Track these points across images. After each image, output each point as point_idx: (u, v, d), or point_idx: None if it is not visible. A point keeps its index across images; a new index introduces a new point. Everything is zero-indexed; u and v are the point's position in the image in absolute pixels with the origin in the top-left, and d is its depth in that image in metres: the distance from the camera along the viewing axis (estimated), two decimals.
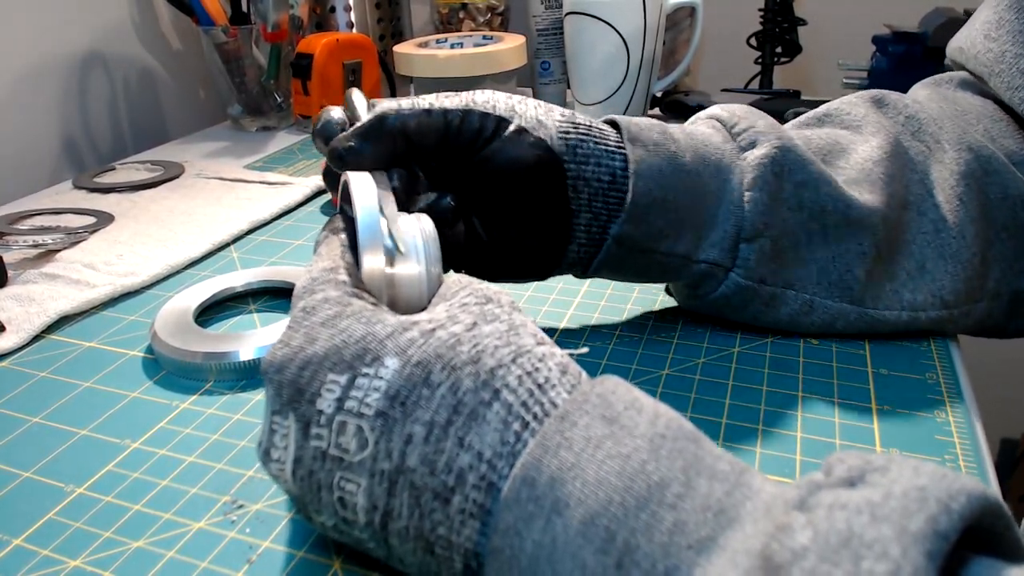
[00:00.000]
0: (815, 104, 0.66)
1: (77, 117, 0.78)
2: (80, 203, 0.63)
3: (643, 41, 0.75)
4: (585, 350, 0.30)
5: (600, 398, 0.23)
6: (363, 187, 0.31)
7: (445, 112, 0.35)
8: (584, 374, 0.26)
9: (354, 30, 0.89)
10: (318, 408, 0.25)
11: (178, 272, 0.52)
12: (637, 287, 0.47)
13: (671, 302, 0.45)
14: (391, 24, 0.93)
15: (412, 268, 0.30)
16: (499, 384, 0.24)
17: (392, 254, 0.30)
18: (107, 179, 0.69)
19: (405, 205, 0.34)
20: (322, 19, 0.89)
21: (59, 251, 0.53)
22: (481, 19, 0.93)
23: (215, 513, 0.31)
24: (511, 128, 0.35)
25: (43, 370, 0.41)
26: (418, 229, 0.31)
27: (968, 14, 0.82)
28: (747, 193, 0.37)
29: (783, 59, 0.92)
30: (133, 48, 0.84)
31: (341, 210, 0.34)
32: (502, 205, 0.37)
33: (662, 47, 0.79)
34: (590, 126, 0.37)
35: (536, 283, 0.48)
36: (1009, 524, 0.19)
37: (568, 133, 0.36)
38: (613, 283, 0.47)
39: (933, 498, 0.18)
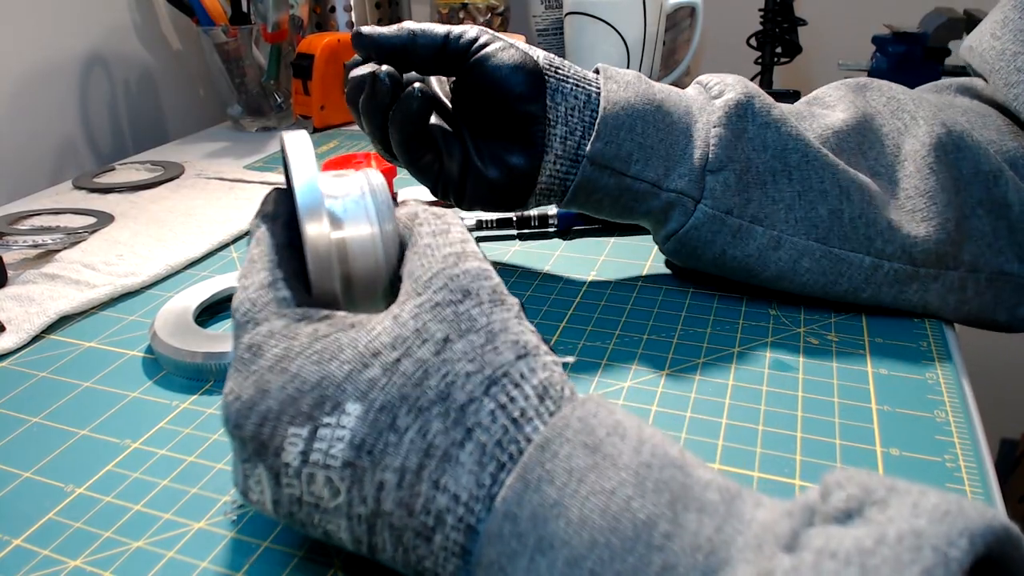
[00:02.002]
0: None
1: (77, 117, 0.78)
2: (80, 203, 0.63)
3: (643, 41, 0.75)
4: (571, 359, 0.28)
5: (581, 422, 0.22)
6: (299, 146, 0.27)
7: (447, 32, 0.42)
8: (568, 387, 0.24)
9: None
10: (284, 461, 0.23)
11: (178, 272, 0.52)
12: (638, 286, 0.47)
13: (671, 302, 0.45)
14: (391, 24, 0.93)
15: (363, 229, 0.27)
16: (471, 423, 0.23)
17: (338, 218, 0.27)
18: (107, 179, 0.69)
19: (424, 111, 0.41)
20: (322, 19, 0.89)
21: (59, 251, 0.53)
22: (481, 19, 0.93)
23: (215, 513, 0.31)
24: (502, 42, 0.42)
25: (43, 370, 0.41)
26: (365, 183, 0.28)
27: (968, 14, 0.82)
28: (713, 130, 0.41)
29: (783, 59, 0.92)
30: (133, 48, 0.84)
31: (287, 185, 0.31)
32: (488, 110, 0.42)
33: (662, 47, 0.79)
34: (571, 65, 0.43)
35: (536, 283, 0.48)
36: (1019, 544, 0.18)
37: (552, 60, 0.42)
38: (613, 283, 0.47)
39: (929, 546, 0.17)
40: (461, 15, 0.93)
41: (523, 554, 0.20)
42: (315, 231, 0.26)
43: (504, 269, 0.50)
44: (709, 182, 0.40)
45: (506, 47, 0.42)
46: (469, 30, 0.42)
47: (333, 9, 0.89)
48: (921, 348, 0.40)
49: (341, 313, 0.26)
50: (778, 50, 0.91)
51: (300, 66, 0.80)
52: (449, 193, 0.44)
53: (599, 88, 0.42)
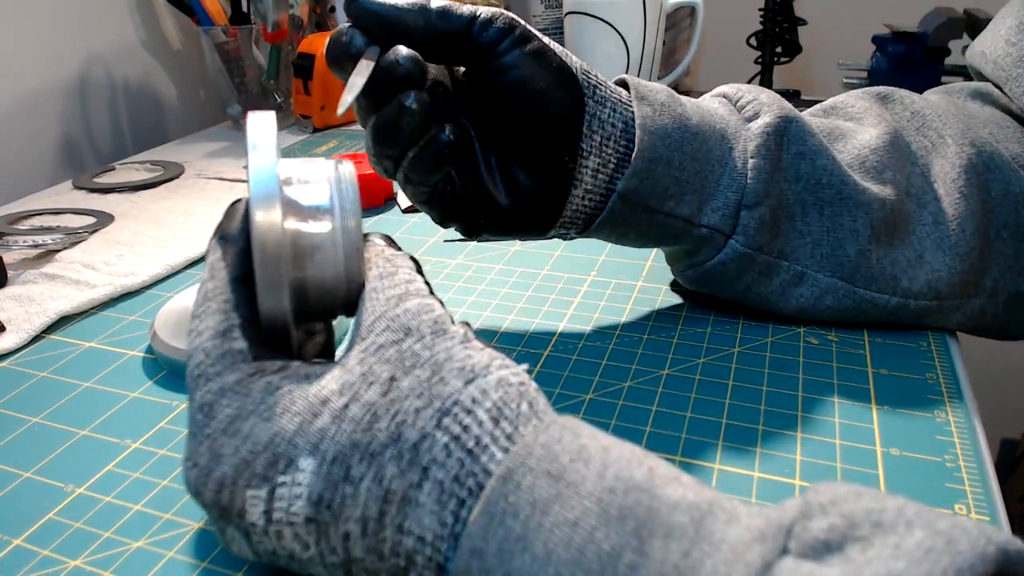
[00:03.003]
0: (815, 104, 0.66)
1: (77, 117, 0.78)
2: (80, 203, 0.63)
3: (643, 41, 0.75)
4: (525, 367, 0.26)
5: (544, 449, 0.22)
6: (259, 127, 0.24)
7: (471, 14, 0.34)
8: (524, 404, 0.23)
9: None
10: (250, 521, 0.23)
11: (178, 272, 0.52)
12: (638, 286, 0.47)
13: (671, 302, 0.45)
14: None
15: (324, 224, 0.24)
16: (426, 460, 0.22)
17: (295, 208, 0.24)
18: (107, 179, 0.69)
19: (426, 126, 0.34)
20: (322, 19, 0.89)
21: (59, 251, 0.53)
22: None
23: None
24: (537, 43, 0.35)
25: (43, 370, 0.41)
26: (332, 172, 0.25)
27: (968, 14, 0.82)
28: (751, 160, 0.38)
29: (783, 59, 0.92)
30: (133, 48, 0.84)
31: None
32: (510, 130, 0.36)
33: (662, 47, 0.79)
34: (605, 80, 0.38)
35: (536, 283, 0.48)
36: (1022, 559, 0.18)
37: (589, 74, 0.37)
38: (613, 282, 0.47)
39: None
40: None
41: None
42: (264, 218, 0.22)
43: (504, 269, 0.50)
44: (743, 218, 0.38)
45: (543, 51, 0.35)
46: (499, 15, 0.35)
47: (333, 9, 0.89)
48: (921, 348, 0.40)
49: (296, 363, 0.25)
50: (778, 50, 0.91)
51: (301, 66, 0.80)
52: (457, 220, 0.38)
53: (632, 110, 0.37)
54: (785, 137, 0.38)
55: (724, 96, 0.41)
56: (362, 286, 0.26)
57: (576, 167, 0.36)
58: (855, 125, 0.42)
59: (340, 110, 0.32)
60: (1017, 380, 1.16)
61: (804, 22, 0.91)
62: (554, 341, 0.41)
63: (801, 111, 0.41)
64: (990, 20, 0.48)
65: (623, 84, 0.39)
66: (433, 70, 0.36)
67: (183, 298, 0.44)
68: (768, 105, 0.39)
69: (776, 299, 0.40)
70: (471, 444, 0.22)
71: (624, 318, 0.43)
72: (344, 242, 0.24)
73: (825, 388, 0.37)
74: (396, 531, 0.22)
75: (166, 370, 0.40)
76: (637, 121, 0.36)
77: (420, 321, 0.25)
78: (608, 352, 0.40)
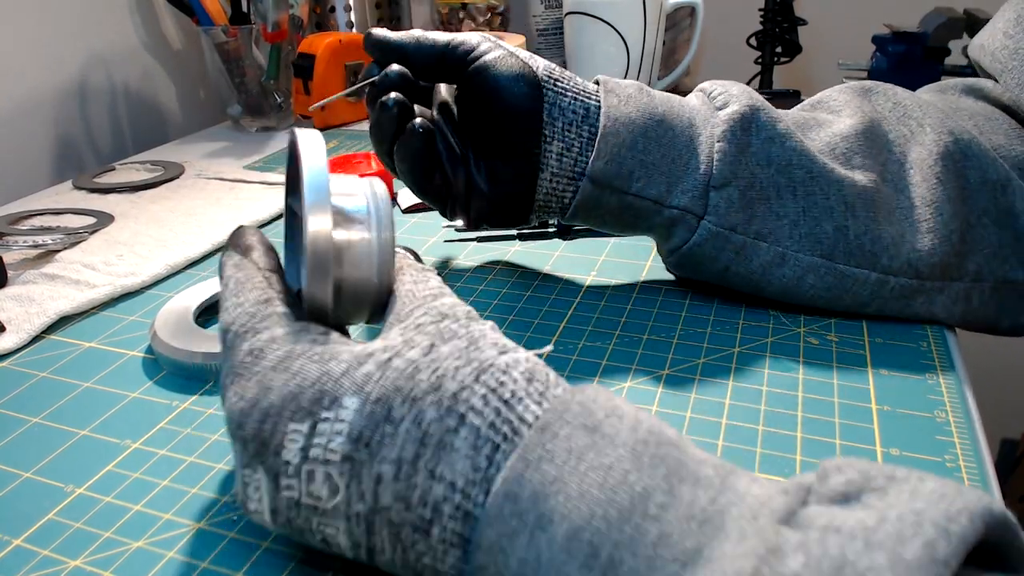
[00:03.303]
0: None
1: (77, 117, 0.78)
2: (80, 203, 0.63)
3: (643, 41, 0.75)
4: (549, 348, 0.29)
5: (581, 406, 0.23)
6: (311, 143, 0.27)
7: (448, 40, 0.42)
8: (552, 374, 0.25)
9: (354, 30, 0.89)
10: (284, 459, 0.24)
11: (178, 272, 0.52)
12: (638, 286, 0.47)
13: (671, 302, 0.45)
14: (391, 24, 0.93)
15: (363, 233, 0.27)
16: (463, 408, 0.23)
17: (340, 219, 0.27)
18: (107, 179, 0.69)
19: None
20: (322, 19, 0.89)
21: (59, 251, 0.53)
22: (481, 19, 0.93)
23: (215, 513, 0.31)
24: (502, 50, 0.41)
25: (43, 370, 0.41)
26: (369, 190, 0.29)
27: (968, 14, 0.82)
28: (717, 144, 0.40)
29: (783, 59, 0.92)
30: (133, 48, 0.84)
31: (288, 182, 0.32)
32: (486, 123, 0.41)
33: (662, 47, 0.79)
34: (572, 76, 0.42)
35: (535, 283, 0.48)
36: (1016, 534, 0.19)
37: (552, 71, 0.42)
38: (613, 282, 0.47)
39: (930, 522, 0.17)
40: (461, 15, 0.93)
41: (523, 532, 0.21)
42: (317, 226, 0.26)
43: (504, 269, 0.50)
44: (713, 198, 0.40)
45: (505, 56, 0.41)
46: (471, 38, 0.42)
47: (333, 9, 0.89)
48: (921, 348, 0.40)
49: (337, 333, 0.27)
50: (778, 50, 0.91)
51: (301, 66, 0.80)
52: (457, 212, 0.44)
53: (599, 101, 0.41)
54: (753, 124, 0.40)
55: (702, 90, 0.44)
56: (391, 291, 0.29)
57: (541, 152, 0.41)
58: (833, 117, 0.43)
59: (310, 107, 0.41)
60: (1017, 380, 1.16)
61: (804, 22, 0.91)
62: (554, 341, 0.41)
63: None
64: (990, 20, 0.48)
65: (596, 83, 0.43)
66: (444, 93, 0.44)
67: (183, 298, 0.44)
68: (737, 96, 0.41)
69: (759, 280, 0.41)
70: (507, 395, 0.24)
71: (624, 318, 0.43)
72: (379, 250, 0.28)
73: (825, 388, 0.37)
74: (428, 476, 0.23)
75: (166, 370, 0.40)
76: (602, 109, 0.40)
77: (456, 311, 0.27)
78: (608, 352, 0.40)
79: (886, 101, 0.44)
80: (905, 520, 0.17)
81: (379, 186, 0.29)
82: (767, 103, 0.41)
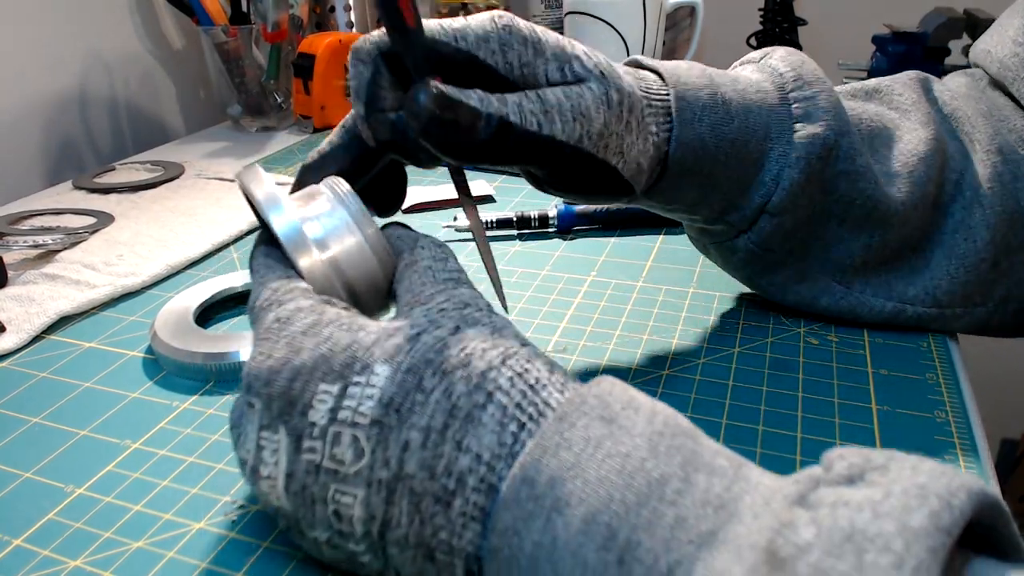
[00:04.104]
0: None
1: (77, 117, 0.78)
2: (80, 203, 0.63)
3: (643, 41, 0.75)
4: (564, 349, 0.30)
5: (597, 399, 0.23)
6: (260, 183, 0.29)
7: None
8: (568, 372, 0.26)
9: (354, 30, 0.89)
10: (310, 420, 0.24)
11: (178, 272, 0.52)
12: (638, 286, 0.47)
13: (671, 302, 0.45)
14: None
15: (348, 241, 0.28)
16: (491, 387, 0.24)
17: (321, 241, 0.28)
18: (107, 179, 0.69)
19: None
20: (322, 19, 0.89)
21: (59, 251, 0.53)
22: None
23: (215, 513, 0.31)
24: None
25: (43, 370, 0.41)
26: (333, 196, 0.29)
27: (968, 14, 0.82)
28: (786, 171, 0.36)
29: None
30: (133, 48, 0.84)
31: (256, 215, 0.32)
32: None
33: (662, 47, 0.79)
34: (643, 78, 0.35)
35: (536, 283, 0.48)
36: (1008, 521, 0.19)
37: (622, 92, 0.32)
38: (613, 282, 0.47)
39: (933, 494, 0.18)
40: (461, 15, 0.93)
41: (539, 515, 0.21)
42: (307, 263, 0.28)
43: (504, 269, 0.50)
44: (762, 221, 0.37)
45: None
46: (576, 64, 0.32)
47: (333, 9, 0.89)
48: (921, 348, 0.40)
49: (357, 311, 0.28)
50: None
51: (301, 66, 0.80)
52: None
53: (667, 125, 0.34)
54: (833, 153, 0.36)
55: (779, 77, 0.37)
56: (396, 266, 0.30)
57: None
58: (901, 119, 0.40)
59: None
60: (1017, 380, 1.16)
61: (804, 22, 0.91)
62: (554, 341, 0.41)
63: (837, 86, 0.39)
64: (990, 20, 0.47)
65: (657, 73, 0.36)
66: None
67: (183, 298, 0.44)
68: (824, 110, 0.36)
69: (775, 292, 0.41)
70: (532, 381, 0.24)
71: (624, 318, 0.43)
72: (370, 245, 0.29)
73: (825, 388, 0.37)
74: (454, 447, 0.23)
75: (166, 370, 0.40)
76: (675, 131, 0.34)
77: (477, 301, 0.27)
78: (608, 352, 0.40)
79: (943, 106, 0.42)
80: (910, 493, 0.18)
81: (341, 186, 0.30)
82: (849, 122, 0.37)
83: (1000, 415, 1.14)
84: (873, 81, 0.43)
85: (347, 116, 0.33)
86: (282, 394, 0.25)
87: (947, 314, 0.40)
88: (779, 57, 0.38)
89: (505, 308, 0.34)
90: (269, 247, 0.30)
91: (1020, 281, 0.40)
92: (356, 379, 0.24)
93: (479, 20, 0.31)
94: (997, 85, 0.46)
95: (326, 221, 0.28)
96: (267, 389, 0.25)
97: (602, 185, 0.34)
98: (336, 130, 0.33)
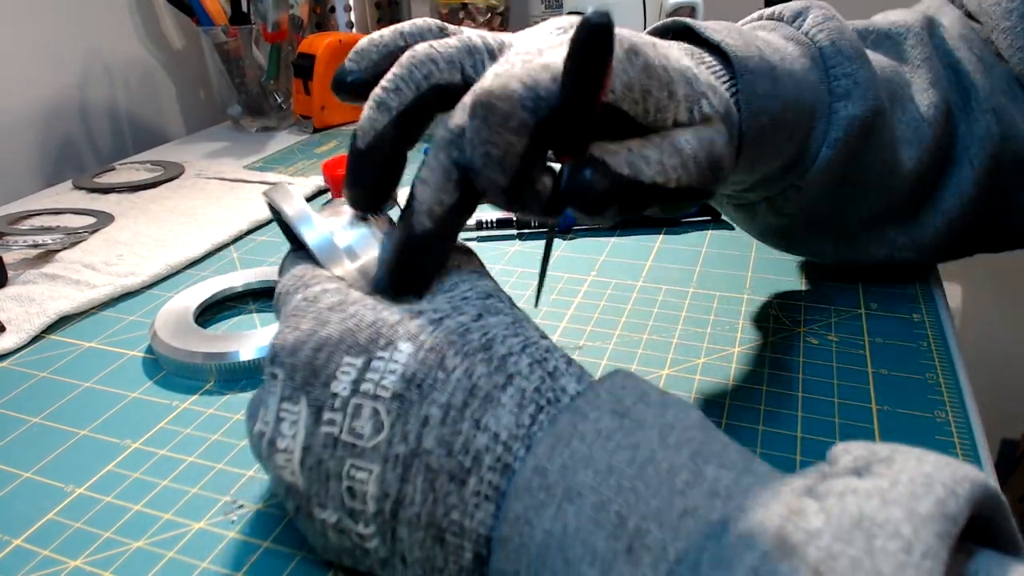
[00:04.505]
0: None
1: (77, 117, 0.78)
2: (80, 203, 0.63)
3: None
4: (582, 345, 0.30)
5: (610, 393, 0.23)
6: (291, 203, 0.31)
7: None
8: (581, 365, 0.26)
9: (354, 30, 0.89)
10: (333, 391, 0.24)
11: (178, 272, 0.52)
12: (638, 286, 0.47)
13: (671, 302, 0.45)
14: (391, 24, 0.93)
15: (375, 250, 0.30)
16: (512, 370, 0.24)
17: (350, 250, 0.30)
18: (107, 179, 0.69)
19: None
20: (322, 19, 0.89)
21: (59, 251, 0.53)
22: (481, 19, 0.93)
23: (215, 513, 0.31)
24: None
25: (43, 370, 0.41)
26: (350, 213, 0.31)
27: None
28: (823, 151, 0.36)
29: None
30: (133, 48, 0.84)
31: (283, 230, 0.33)
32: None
33: None
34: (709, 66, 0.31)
35: (536, 283, 0.48)
36: (1007, 515, 0.19)
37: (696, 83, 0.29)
38: (613, 282, 0.47)
39: (939, 483, 0.18)
40: (461, 15, 0.93)
41: (551, 504, 0.21)
42: (340, 272, 0.29)
43: (504, 269, 0.50)
44: (788, 193, 0.37)
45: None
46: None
47: (333, 9, 0.89)
48: (921, 348, 0.40)
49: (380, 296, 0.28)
50: None
51: (301, 66, 0.80)
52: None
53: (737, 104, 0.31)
54: (869, 132, 0.36)
55: (819, 51, 0.36)
56: None
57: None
58: (911, 74, 0.40)
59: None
60: (1017, 380, 1.16)
61: None
62: (554, 341, 0.41)
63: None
64: None
65: (719, 50, 0.32)
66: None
67: (183, 298, 0.44)
68: (863, 87, 0.35)
69: (782, 244, 0.43)
70: (550, 368, 0.25)
71: (624, 318, 0.43)
72: None
73: (825, 388, 0.37)
74: (473, 425, 0.23)
75: (166, 370, 0.40)
76: (743, 116, 0.31)
77: (499, 293, 0.28)
78: (608, 352, 0.40)
79: (947, 53, 0.42)
80: (916, 481, 0.18)
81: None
82: (883, 94, 0.36)
83: (1000, 415, 1.14)
84: (885, 23, 0.42)
85: (436, 155, 0.27)
86: (307, 364, 0.25)
87: (925, 256, 0.43)
88: (816, 24, 0.36)
89: (536, 304, 0.35)
90: (298, 254, 0.31)
91: (985, 235, 0.43)
92: (380, 354, 0.24)
93: (620, 62, 0.26)
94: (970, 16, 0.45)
95: (353, 233, 0.30)
96: (292, 359, 0.25)
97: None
98: (430, 164, 0.27)
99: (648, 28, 0.36)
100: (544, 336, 0.26)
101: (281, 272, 0.31)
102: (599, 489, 0.21)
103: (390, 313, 0.26)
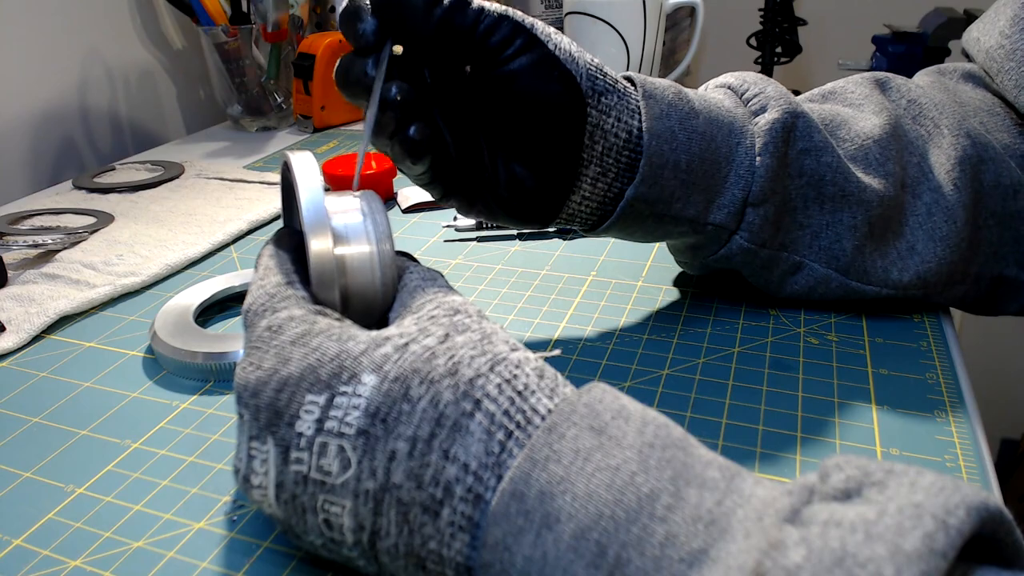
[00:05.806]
0: None
1: (77, 117, 0.78)
2: (80, 203, 0.63)
3: (643, 41, 0.75)
4: (557, 352, 0.30)
5: (587, 408, 0.23)
6: (306, 167, 0.29)
7: (481, 9, 0.34)
8: (560, 376, 0.25)
9: None
10: (297, 431, 0.24)
11: (178, 272, 0.52)
12: (638, 286, 0.47)
13: (671, 302, 0.45)
14: None
15: (362, 248, 0.29)
16: (479, 394, 0.24)
17: (339, 235, 0.29)
18: (107, 179, 0.69)
19: (402, 123, 0.34)
20: (322, 19, 0.89)
21: (59, 251, 0.53)
22: None
23: (215, 513, 0.31)
24: (542, 51, 0.34)
25: (43, 370, 0.41)
26: (365, 206, 0.30)
27: (968, 14, 0.82)
28: (758, 158, 0.38)
29: (783, 59, 0.92)
30: (133, 48, 0.84)
31: (284, 204, 0.33)
32: (512, 134, 0.35)
33: (662, 47, 0.79)
34: (616, 79, 0.37)
35: (536, 283, 0.48)
36: (1011, 530, 0.19)
37: (596, 79, 0.36)
38: (613, 282, 0.47)
39: (929, 515, 0.17)
40: None
41: (529, 530, 0.21)
42: (319, 246, 0.27)
43: (504, 269, 0.50)
44: (749, 215, 0.38)
45: (547, 60, 0.34)
46: (506, 18, 0.34)
47: (333, 9, 0.89)
48: (921, 348, 0.40)
49: (350, 321, 0.27)
50: (778, 50, 0.91)
51: (301, 66, 0.80)
52: (455, 196, 0.38)
53: (638, 111, 0.36)
54: (792, 133, 0.38)
55: (729, 87, 0.41)
56: (395, 297, 0.30)
57: (575, 175, 0.36)
58: (854, 112, 0.42)
59: (365, 146, 0.34)
60: (1017, 380, 1.16)
61: (804, 22, 0.91)
62: (554, 341, 0.41)
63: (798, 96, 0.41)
64: (986, 11, 0.47)
65: (629, 80, 0.38)
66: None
67: (183, 298, 0.44)
68: (775, 99, 0.39)
69: (774, 287, 0.42)
70: (520, 387, 0.24)
71: (624, 318, 0.43)
72: (380, 260, 0.29)
73: (825, 388, 0.37)
74: (441, 456, 0.23)
75: (166, 370, 0.40)
76: (645, 124, 0.36)
77: (467, 308, 0.27)
78: (608, 352, 0.40)
79: (900, 98, 0.43)
80: (905, 512, 0.18)
81: (374, 201, 0.30)
82: (803, 108, 0.39)
83: (1000, 415, 1.14)
84: (828, 85, 0.45)
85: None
86: (269, 405, 0.24)
87: (931, 293, 0.41)
88: (722, 78, 0.42)
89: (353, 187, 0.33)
90: (278, 246, 0.30)
91: (987, 256, 0.41)
92: (343, 388, 0.24)
93: None
94: (969, 77, 0.47)
95: (350, 221, 0.29)
96: (255, 400, 0.25)
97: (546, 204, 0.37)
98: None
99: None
100: (514, 348, 0.25)
101: (258, 259, 0.30)
102: (577, 516, 0.21)
103: (355, 343, 0.25)
